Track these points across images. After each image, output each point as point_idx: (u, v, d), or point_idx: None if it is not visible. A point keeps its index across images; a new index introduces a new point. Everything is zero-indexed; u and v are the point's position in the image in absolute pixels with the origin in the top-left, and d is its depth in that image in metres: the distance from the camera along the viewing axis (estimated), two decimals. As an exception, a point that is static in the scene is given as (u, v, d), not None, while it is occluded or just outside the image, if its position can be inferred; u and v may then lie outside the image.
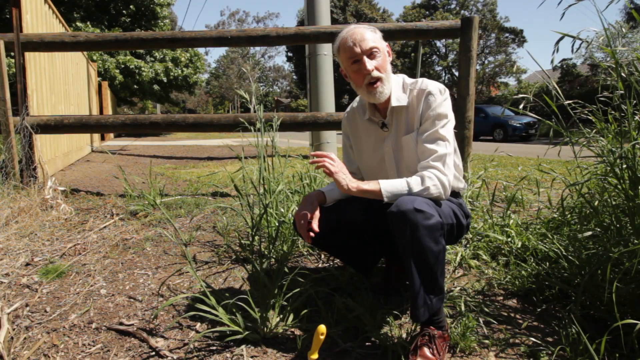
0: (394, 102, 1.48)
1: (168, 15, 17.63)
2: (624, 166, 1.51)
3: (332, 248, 1.67)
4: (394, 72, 1.53)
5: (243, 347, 1.40)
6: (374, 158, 1.59)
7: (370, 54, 1.42)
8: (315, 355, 1.26)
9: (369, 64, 1.41)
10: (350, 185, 1.36)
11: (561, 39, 1.56)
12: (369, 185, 1.36)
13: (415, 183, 1.35)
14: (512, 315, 1.59)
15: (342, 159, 1.69)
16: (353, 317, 1.52)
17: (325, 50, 6.89)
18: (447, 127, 1.42)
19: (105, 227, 2.71)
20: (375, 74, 1.42)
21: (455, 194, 1.58)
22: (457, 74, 16.92)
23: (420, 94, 1.45)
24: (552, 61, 1.62)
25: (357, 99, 1.63)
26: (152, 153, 8.64)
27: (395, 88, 1.49)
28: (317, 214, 1.48)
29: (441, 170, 1.37)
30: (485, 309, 1.61)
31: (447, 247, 2.04)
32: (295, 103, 41.43)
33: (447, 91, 1.46)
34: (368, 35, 1.42)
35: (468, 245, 2.12)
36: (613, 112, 1.67)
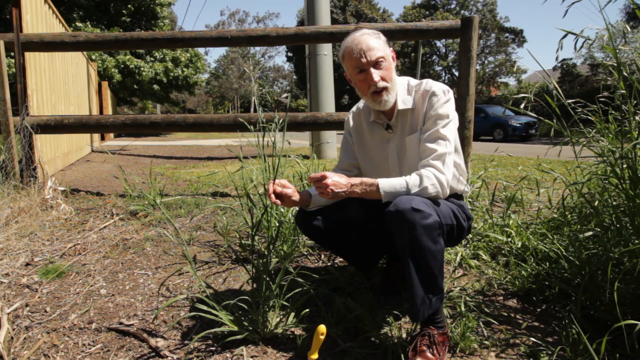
0: (400, 106, 1.49)
1: (168, 15, 17.63)
2: (625, 166, 1.51)
3: (333, 245, 1.68)
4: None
5: (243, 347, 1.40)
6: (377, 158, 1.59)
7: (376, 63, 1.42)
8: (315, 355, 1.26)
9: (375, 74, 1.42)
10: (349, 191, 1.35)
11: (564, 36, 1.56)
12: (366, 186, 1.36)
13: (413, 182, 1.35)
14: (512, 315, 1.59)
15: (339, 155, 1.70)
16: (353, 317, 1.51)
17: (325, 50, 6.89)
18: (449, 127, 1.43)
19: (105, 227, 2.71)
20: (381, 84, 1.43)
21: (457, 196, 1.58)
22: (457, 74, 16.91)
23: (425, 94, 1.46)
24: (556, 58, 1.62)
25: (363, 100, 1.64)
26: (152, 153, 8.64)
27: (401, 91, 1.50)
28: (289, 192, 1.45)
29: (440, 168, 1.37)
30: (485, 309, 1.60)
31: (448, 248, 2.04)
32: (295, 103, 41.43)
33: (451, 92, 1.47)
34: (374, 44, 1.42)
35: (468, 245, 2.12)
36: (613, 112, 1.66)
